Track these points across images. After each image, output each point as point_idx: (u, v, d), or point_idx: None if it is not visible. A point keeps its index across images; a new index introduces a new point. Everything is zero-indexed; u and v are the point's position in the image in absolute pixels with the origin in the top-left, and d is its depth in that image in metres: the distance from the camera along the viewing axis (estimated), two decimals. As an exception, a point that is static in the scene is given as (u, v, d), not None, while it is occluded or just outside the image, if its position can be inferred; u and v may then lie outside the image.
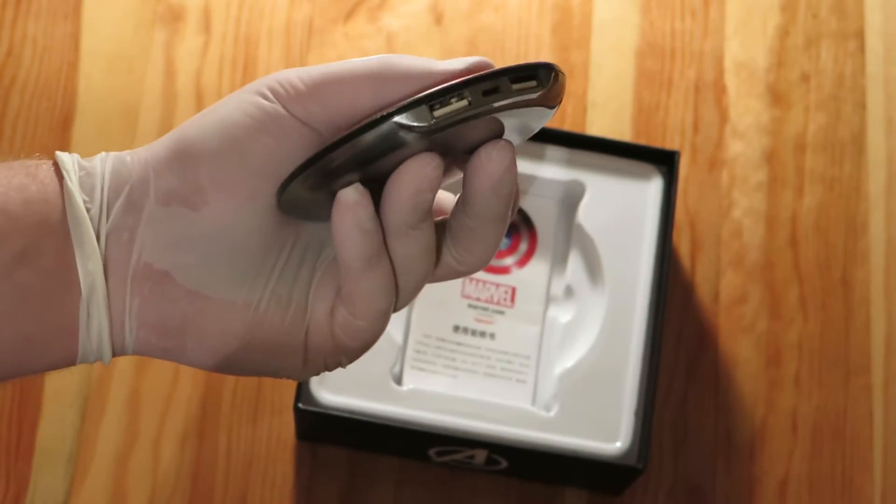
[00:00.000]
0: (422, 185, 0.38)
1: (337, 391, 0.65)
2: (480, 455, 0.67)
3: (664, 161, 0.71)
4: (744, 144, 0.79)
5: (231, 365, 0.40)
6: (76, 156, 0.40)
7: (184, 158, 0.38)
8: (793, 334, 0.75)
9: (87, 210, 0.38)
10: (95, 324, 0.38)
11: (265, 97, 0.39)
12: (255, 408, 0.71)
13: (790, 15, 0.82)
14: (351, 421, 0.65)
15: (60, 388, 0.71)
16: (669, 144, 0.78)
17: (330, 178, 0.38)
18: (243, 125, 0.38)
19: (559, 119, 0.78)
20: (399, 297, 0.41)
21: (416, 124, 0.36)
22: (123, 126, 0.76)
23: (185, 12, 0.79)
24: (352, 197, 0.38)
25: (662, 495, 0.71)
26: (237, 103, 0.39)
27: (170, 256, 0.38)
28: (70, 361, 0.39)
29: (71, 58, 0.77)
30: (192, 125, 0.39)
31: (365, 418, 0.65)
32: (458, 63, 0.39)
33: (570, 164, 0.71)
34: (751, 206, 0.77)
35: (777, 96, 0.80)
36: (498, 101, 0.37)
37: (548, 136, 0.71)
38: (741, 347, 0.74)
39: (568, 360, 0.68)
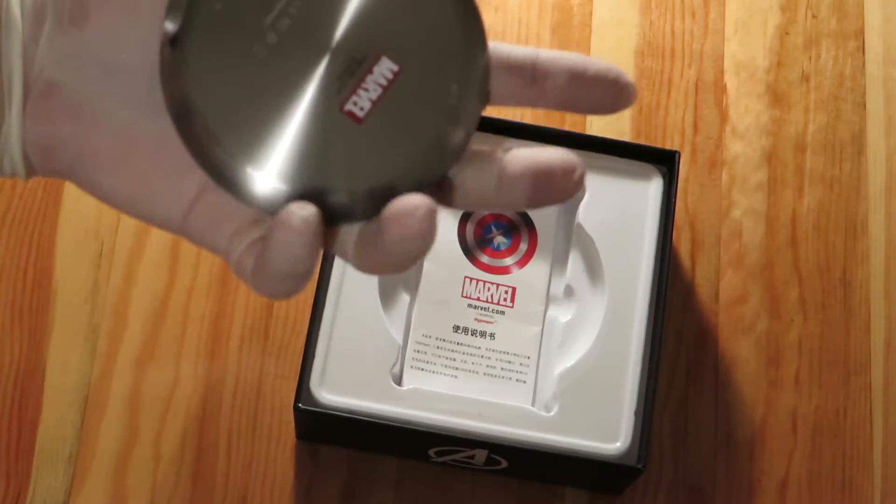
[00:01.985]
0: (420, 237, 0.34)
1: (337, 391, 0.66)
2: (480, 455, 0.67)
3: (664, 161, 0.71)
4: (744, 144, 0.79)
5: (105, 197, 0.38)
6: None
7: None
8: (793, 334, 0.75)
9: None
10: (4, 137, 0.37)
11: None
12: (255, 408, 0.71)
13: (790, 15, 0.82)
14: (351, 421, 0.65)
15: (60, 388, 0.71)
16: (669, 144, 0.78)
17: None
18: None
19: (559, 119, 0.78)
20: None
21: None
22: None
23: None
24: (303, 220, 0.33)
25: (662, 495, 0.71)
26: None
27: (55, 71, 0.36)
28: None
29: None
30: None
31: (365, 418, 0.65)
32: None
33: (570, 164, 0.71)
34: (751, 207, 0.77)
35: (777, 96, 0.80)
36: None
37: (548, 136, 0.71)
38: (741, 347, 0.74)
39: (568, 360, 0.68)
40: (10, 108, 0.37)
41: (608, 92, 0.38)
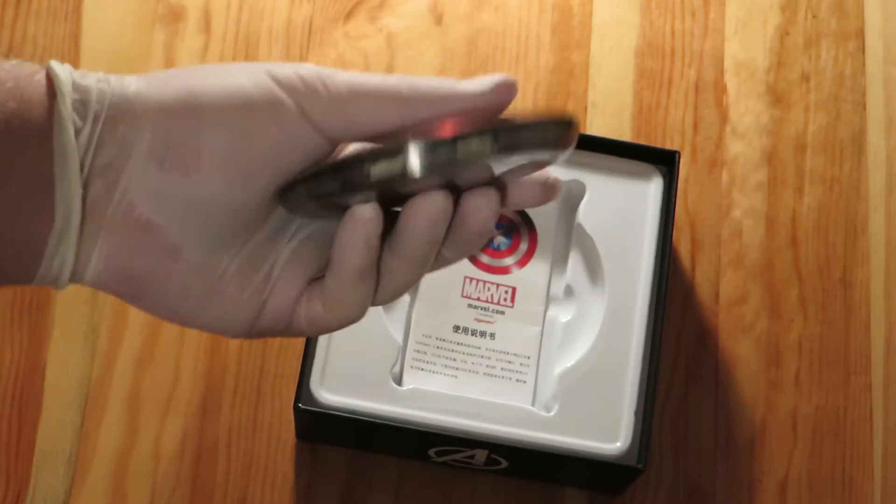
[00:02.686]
0: (437, 219, 0.38)
1: (337, 391, 0.65)
2: (480, 455, 0.67)
3: (664, 161, 0.71)
4: (744, 144, 0.79)
5: (177, 319, 0.40)
6: (70, 69, 0.38)
7: (190, 117, 0.37)
8: (793, 334, 0.75)
9: (77, 136, 0.37)
10: (60, 257, 0.38)
11: (284, 86, 0.38)
12: (255, 408, 0.71)
13: (790, 15, 0.82)
14: (351, 421, 0.65)
15: (60, 388, 0.71)
16: (669, 144, 0.78)
17: (341, 192, 0.38)
18: (258, 107, 0.38)
19: (559, 119, 0.78)
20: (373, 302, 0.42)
21: (438, 161, 0.37)
22: (123, 126, 0.76)
23: (185, 12, 0.79)
24: (367, 214, 0.38)
25: (662, 495, 0.71)
26: (254, 79, 0.38)
27: (151, 209, 0.38)
28: (24, 281, 0.38)
29: (71, 58, 0.77)
30: (204, 83, 0.38)
31: (365, 418, 0.65)
32: (481, 84, 0.39)
33: (570, 164, 0.71)
34: (751, 206, 0.77)
35: (777, 96, 0.80)
36: (519, 152, 0.38)
37: (548, 136, 0.71)
38: (741, 347, 0.74)
39: (568, 360, 0.68)
40: (67, 233, 0.37)
41: (539, 193, 0.42)
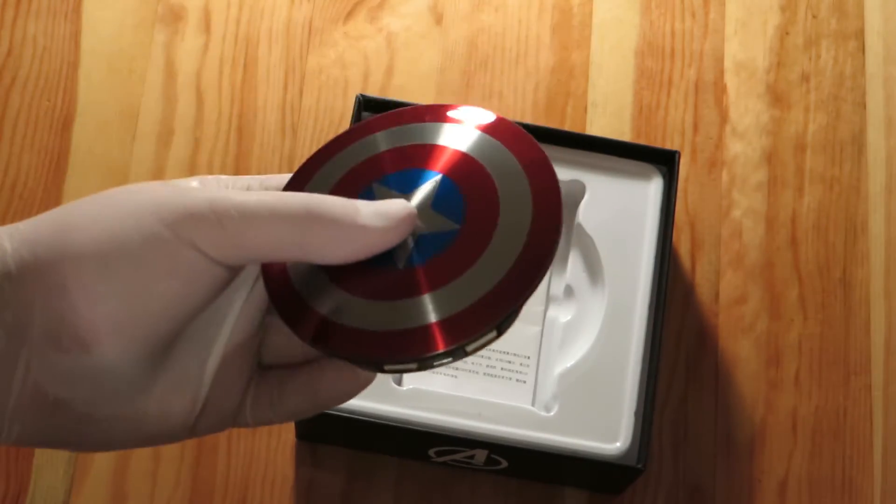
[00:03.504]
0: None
1: (337, 391, 0.65)
2: (480, 455, 0.67)
3: (664, 161, 0.71)
4: (744, 144, 0.79)
5: (109, 449, 0.39)
6: None
7: (80, 290, 0.35)
8: (793, 334, 0.75)
9: None
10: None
11: (175, 230, 0.36)
12: (255, 408, 0.71)
13: (790, 15, 0.82)
14: (351, 421, 0.65)
15: (60, 388, 0.71)
16: (669, 144, 0.78)
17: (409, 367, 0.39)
18: (150, 264, 0.36)
19: (559, 119, 0.78)
20: None
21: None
22: (123, 126, 0.76)
23: (185, 12, 0.79)
24: (368, 382, 0.41)
25: (662, 495, 0.71)
26: (143, 231, 0.36)
27: (57, 389, 0.36)
28: None
29: (71, 58, 0.77)
30: (90, 245, 0.36)
31: (365, 418, 0.65)
32: (384, 220, 0.38)
33: (570, 164, 0.71)
34: (751, 206, 0.77)
35: (777, 96, 0.80)
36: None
37: (548, 136, 0.71)
38: (741, 347, 0.74)
39: (568, 360, 0.68)
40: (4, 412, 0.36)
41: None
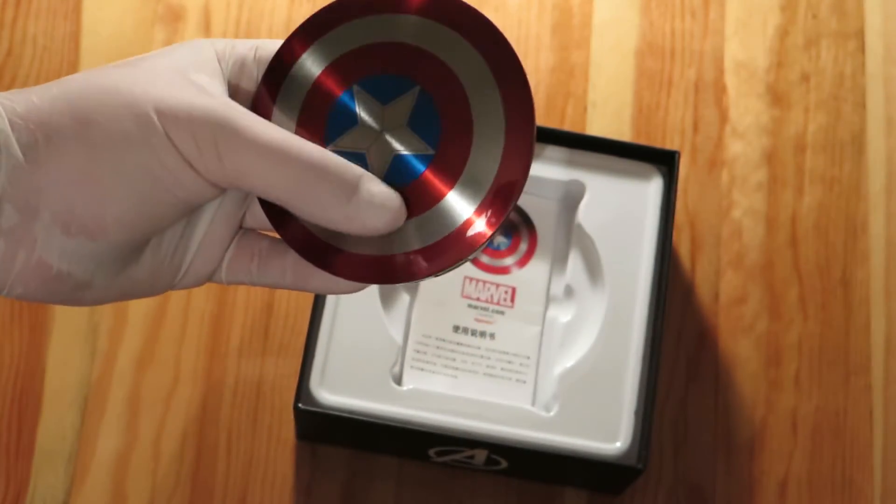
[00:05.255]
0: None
1: (337, 391, 0.65)
2: (480, 455, 0.67)
3: (664, 161, 0.71)
4: (744, 144, 0.79)
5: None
6: None
7: (92, 189, 0.38)
8: (793, 334, 0.75)
9: None
10: None
11: (181, 155, 0.38)
12: (255, 408, 0.71)
13: (790, 15, 0.82)
14: (351, 421, 0.65)
15: (60, 388, 0.71)
16: (669, 144, 0.78)
17: None
18: (158, 175, 0.38)
19: (559, 119, 0.78)
20: None
21: None
22: (123, 126, 0.76)
23: (185, 12, 0.79)
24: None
25: (662, 495, 0.71)
26: (157, 153, 0.38)
27: (60, 264, 0.38)
28: None
29: (71, 58, 0.77)
30: (106, 149, 0.38)
31: (365, 418, 0.65)
32: (380, 210, 0.40)
33: (570, 164, 0.71)
34: (751, 206, 0.77)
35: (777, 96, 0.80)
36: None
37: (548, 136, 0.71)
38: (741, 347, 0.74)
39: (568, 360, 0.68)
40: None
41: None
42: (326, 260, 0.40)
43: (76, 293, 0.39)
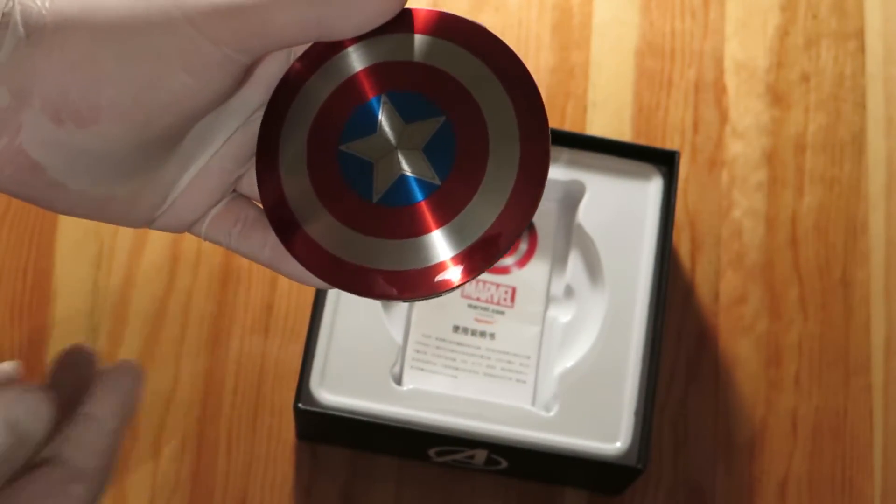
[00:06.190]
0: None
1: (337, 391, 0.66)
2: (480, 455, 0.67)
3: (664, 161, 0.71)
4: (744, 144, 0.79)
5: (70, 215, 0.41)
6: None
7: (91, 72, 0.36)
8: (793, 334, 0.75)
9: None
10: None
11: (197, 26, 0.36)
12: (255, 408, 0.71)
13: (790, 15, 0.82)
14: (351, 421, 0.65)
15: (60, 388, 0.71)
16: (669, 144, 0.78)
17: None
18: (169, 58, 0.36)
19: (559, 119, 0.78)
20: None
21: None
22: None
23: None
24: None
25: (662, 495, 0.71)
26: (166, 29, 0.36)
27: (39, 155, 0.37)
28: None
29: None
30: (111, 31, 0.36)
31: (365, 418, 0.65)
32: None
33: (570, 164, 0.71)
34: (751, 206, 0.77)
35: (777, 96, 0.80)
36: None
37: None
38: (741, 347, 0.74)
39: (568, 360, 0.68)
40: None
41: None
42: (296, 246, 0.40)
43: (49, 192, 0.38)
